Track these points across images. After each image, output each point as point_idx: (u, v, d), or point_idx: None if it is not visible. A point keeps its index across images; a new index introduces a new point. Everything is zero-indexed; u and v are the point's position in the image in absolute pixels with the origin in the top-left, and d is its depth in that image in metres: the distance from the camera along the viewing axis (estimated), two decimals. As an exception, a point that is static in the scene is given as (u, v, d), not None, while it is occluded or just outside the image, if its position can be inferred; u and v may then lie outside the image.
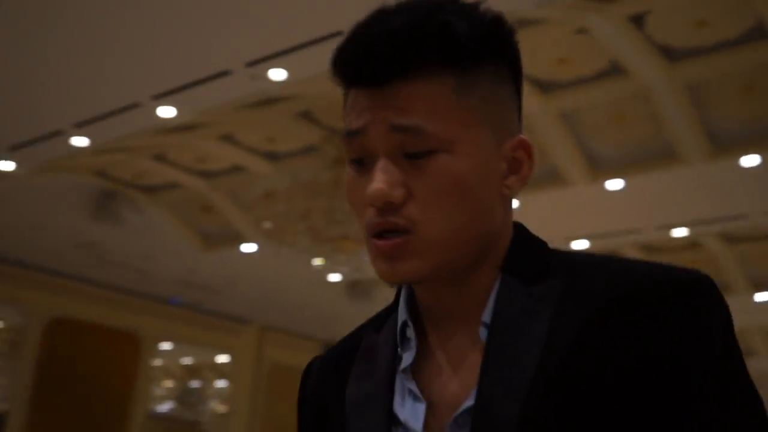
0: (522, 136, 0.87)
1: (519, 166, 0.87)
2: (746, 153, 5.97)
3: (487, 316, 0.83)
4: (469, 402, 0.80)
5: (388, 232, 0.81)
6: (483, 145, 0.83)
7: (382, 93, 0.81)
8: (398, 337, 0.89)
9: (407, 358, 0.87)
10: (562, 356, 0.77)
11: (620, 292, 0.79)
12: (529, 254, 0.87)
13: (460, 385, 0.83)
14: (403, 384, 0.87)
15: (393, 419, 0.85)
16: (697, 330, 0.76)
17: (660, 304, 0.76)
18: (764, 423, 0.76)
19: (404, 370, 0.87)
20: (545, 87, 5.87)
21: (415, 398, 0.85)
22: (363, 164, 0.84)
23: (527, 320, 0.80)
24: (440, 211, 0.81)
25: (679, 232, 7.63)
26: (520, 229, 0.90)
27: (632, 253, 8.41)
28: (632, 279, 0.80)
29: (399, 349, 0.89)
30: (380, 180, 0.80)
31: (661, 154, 6.29)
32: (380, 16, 0.83)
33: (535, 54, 5.50)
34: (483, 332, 0.83)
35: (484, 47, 0.83)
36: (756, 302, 9.42)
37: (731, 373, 0.77)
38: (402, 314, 0.90)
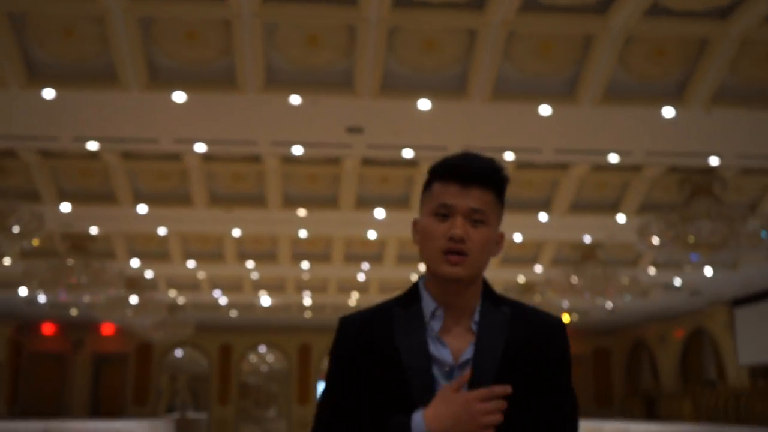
0: (502, 231, 1.83)
1: (499, 243, 1.83)
2: (177, 89, 6.79)
3: (476, 317, 1.78)
4: (467, 356, 1.73)
5: (455, 253, 1.72)
6: (495, 230, 1.80)
7: (466, 189, 1.75)
8: (429, 314, 1.77)
9: (436, 326, 1.76)
10: (515, 348, 1.75)
11: (540, 326, 1.82)
12: (492, 290, 1.85)
13: (461, 347, 1.75)
14: (432, 339, 1.75)
15: (431, 357, 1.73)
16: (566, 347, 1.84)
17: (556, 333, 1.83)
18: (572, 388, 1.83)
19: (437, 332, 1.75)
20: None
21: (443, 345, 1.74)
22: (445, 218, 1.74)
23: (497, 327, 1.77)
24: (478, 250, 1.75)
25: (93, 146, 8.09)
26: (484, 278, 1.85)
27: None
28: (542, 318, 1.84)
29: (426, 321, 1.76)
30: (461, 228, 1.73)
31: (102, 75, 6.69)
32: (471, 155, 1.79)
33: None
34: (473, 326, 1.78)
35: (505, 187, 1.82)
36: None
37: (570, 364, 1.84)
38: (431, 304, 1.79)
